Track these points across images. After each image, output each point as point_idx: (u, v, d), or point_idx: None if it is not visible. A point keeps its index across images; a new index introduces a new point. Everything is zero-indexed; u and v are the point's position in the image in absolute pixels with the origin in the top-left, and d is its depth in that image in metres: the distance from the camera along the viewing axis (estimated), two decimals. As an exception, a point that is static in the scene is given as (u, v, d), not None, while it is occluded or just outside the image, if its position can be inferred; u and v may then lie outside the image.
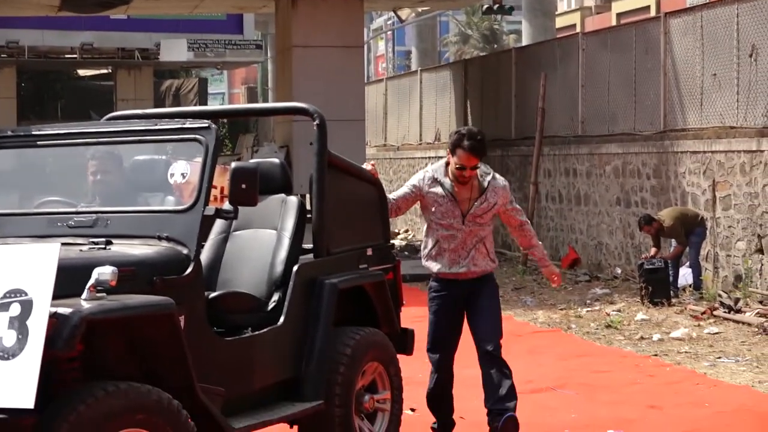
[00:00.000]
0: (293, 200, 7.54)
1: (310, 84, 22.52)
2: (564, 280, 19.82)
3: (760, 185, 16.37)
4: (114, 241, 6.28)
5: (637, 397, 10.28)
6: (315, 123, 7.51)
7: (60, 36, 41.67)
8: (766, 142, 16.24)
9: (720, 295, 15.84)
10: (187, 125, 6.84)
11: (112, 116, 8.30)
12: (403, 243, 27.02)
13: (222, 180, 18.42)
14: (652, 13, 43.17)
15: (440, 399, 8.34)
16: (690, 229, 16.83)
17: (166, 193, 6.78)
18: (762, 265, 16.37)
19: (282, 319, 7.02)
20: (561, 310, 16.42)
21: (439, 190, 7.85)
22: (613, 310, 16.06)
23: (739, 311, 14.91)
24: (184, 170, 6.61)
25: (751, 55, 16.82)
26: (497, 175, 8.08)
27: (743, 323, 14.27)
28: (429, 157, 29.27)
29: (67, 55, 44.89)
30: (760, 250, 16.39)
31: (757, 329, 13.80)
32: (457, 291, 8.02)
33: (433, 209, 7.88)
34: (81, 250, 6.09)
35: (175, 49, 44.83)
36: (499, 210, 8.03)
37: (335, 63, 22.65)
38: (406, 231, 29.68)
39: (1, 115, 43.92)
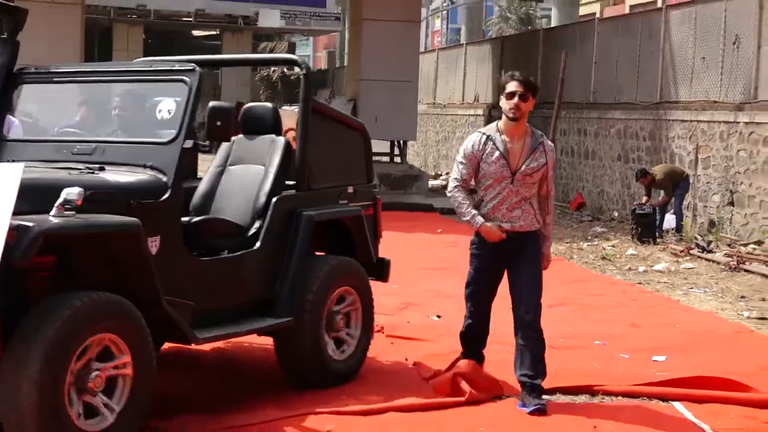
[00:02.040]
0: (281, 140, 7.04)
1: (376, 50, 22.47)
2: (571, 220, 19.80)
3: (734, 150, 16.16)
4: (108, 167, 5.96)
5: (622, 317, 10.17)
6: (302, 72, 7.03)
7: (179, 2, 41.74)
8: (741, 115, 16.03)
9: (696, 238, 15.66)
10: (175, 67, 6.37)
11: (139, 61, 7.78)
12: (444, 182, 26.91)
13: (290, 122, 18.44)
14: (659, 5, 42.50)
15: (472, 340, 7.15)
16: (676, 183, 16.69)
17: (156, 127, 6.31)
18: (732, 215, 16.19)
19: (258, 243, 6.57)
20: (566, 243, 16.29)
21: (490, 147, 6.53)
22: (609, 246, 15.91)
23: (710, 251, 14.74)
24: (170, 107, 6.18)
25: (734, 43, 16.56)
26: (548, 141, 6.76)
27: (713, 261, 14.09)
28: (468, 114, 29.13)
29: (184, 18, 44.92)
30: (731, 203, 16.23)
31: (723, 267, 13.62)
32: (500, 246, 6.63)
33: (485, 168, 6.56)
34: (69, 173, 5.79)
35: (270, 18, 44.75)
36: (544, 172, 6.65)
37: (397, 34, 22.54)
38: (447, 173, 29.54)
39: (130, 66, 44.13)
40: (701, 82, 17.51)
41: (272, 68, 54.95)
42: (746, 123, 15.88)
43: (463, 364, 7.02)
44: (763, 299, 11.50)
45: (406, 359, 7.81)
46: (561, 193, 22.36)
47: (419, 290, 11.18)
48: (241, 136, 7.21)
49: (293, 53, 63.02)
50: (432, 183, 25.45)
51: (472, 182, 6.73)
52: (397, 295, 10.71)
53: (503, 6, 76.73)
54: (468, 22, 55.96)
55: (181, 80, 6.16)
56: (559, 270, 13.46)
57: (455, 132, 30.23)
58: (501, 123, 6.64)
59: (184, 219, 6.29)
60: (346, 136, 7.54)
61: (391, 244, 15.00)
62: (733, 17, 16.69)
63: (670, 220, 16.98)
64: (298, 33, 55.22)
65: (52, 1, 21.03)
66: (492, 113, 27.01)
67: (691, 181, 16.92)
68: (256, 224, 6.67)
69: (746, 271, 13.26)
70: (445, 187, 25.43)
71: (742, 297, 11.63)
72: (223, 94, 43.93)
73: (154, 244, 5.68)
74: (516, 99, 6.47)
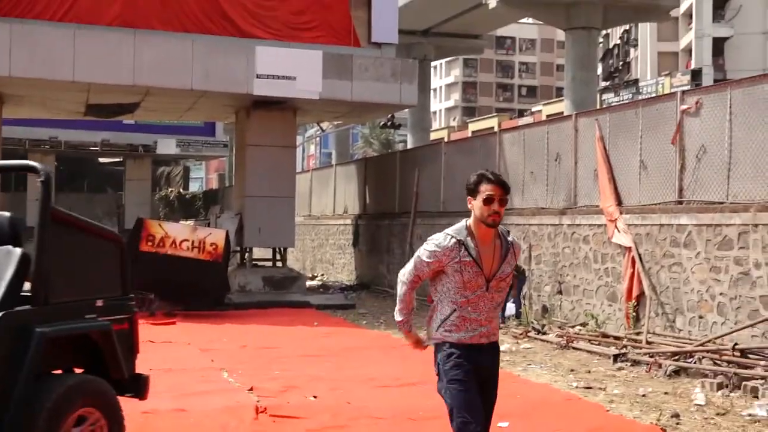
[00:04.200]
0: (17, 252, 5.59)
1: (258, 171, 22.46)
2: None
3: (560, 248, 16.52)
4: None
5: (471, 391, 10.17)
6: (40, 179, 5.60)
7: (86, 134, 41.38)
8: (564, 218, 16.43)
9: (532, 322, 15.88)
10: None
11: None
12: (320, 282, 26.85)
13: (192, 235, 18.28)
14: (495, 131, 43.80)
15: None
16: (515, 277, 16.93)
17: None
18: (561, 302, 16.48)
19: None
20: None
21: (463, 253, 5.09)
22: (459, 331, 15.96)
23: (544, 333, 14.94)
24: None
25: (556, 160, 17.04)
26: (513, 236, 5.42)
27: (547, 341, 14.28)
28: (339, 224, 29.23)
29: (91, 148, 44.44)
30: (560, 292, 16.52)
31: (555, 345, 13.82)
32: (478, 358, 5.14)
33: (455, 277, 5.13)
34: None
35: (167, 146, 44.69)
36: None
37: (276, 157, 22.61)
38: (322, 275, 29.51)
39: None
40: (531, 192, 17.95)
41: (169, 188, 54.53)
42: (569, 225, 16.30)
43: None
44: (589, 371, 11.69)
45: (287, 435, 7.67)
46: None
47: (298, 375, 11.03)
48: None
49: (188, 176, 62.57)
50: (309, 283, 25.38)
51: (434, 294, 5.37)
52: (279, 380, 10.57)
53: (367, 133, 78.07)
54: (338, 147, 56.58)
55: None
56: (420, 352, 13.48)
57: (328, 239, 30.31)
58: (472, 225, 5.17)
59: None
60: (97, 248, 6.17)
61: (274, 336, 14.95)
62: (554, 139, 17.23)
63: (510, 308, 17.17)
64: (192, 158, 55.09)
65: (-29, 134, 20.63)
66: (359, 222, 27.21)
67: (527, 274, 17.22)
68: None
69: (574, 348, 13.47)
70: (321, 286, 25.41)
71: (572, 370, 11.79)
72: (126, 212, 43.33)
73: None
74: (496, 204, 5.09)
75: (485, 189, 5.09)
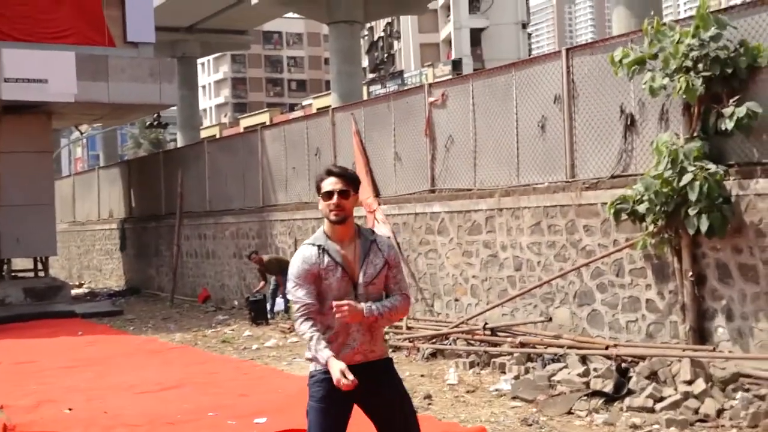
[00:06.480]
0: None
1: (13, 179, 21.55)
2: (198, 312, 19.72)
3: (324, 241, 16.80)
4: None
5: (234, 389, 10.23)
6: None
7: None
8: (327, 212, 16.71)
9: (299, 316, 16.06)
10: None
11: None
12: (88, 290, 26.12)
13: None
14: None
15: None
16: (284, 271, 17.13)
17: None
18: (328, 294, 16.75)
19: None
20: (193, 331, 16.18)
21: (327, 260, 4.55)
22: (229, 330, 16.01)
23: (311, 326, 15.15)
24: None
25: (316, 155, 17.34)
26: (382, 237, 4.81)
27: (313, 334, 14.50)
28: (105, 229, 28.51)
29: None
30: (326, 284, 16.81)
31: (321, 337, 14.06)
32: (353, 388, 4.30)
33: (323, 285, 4.54)
34: None
35: None
36: (385, 274, 4.67)
37: (31, 164, 21.80)
38: (90, 282, 28.67)
39: None
40: (294, 187, 18.17)
41: None
42: (331, 218, 16.60)
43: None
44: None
45: (35, 451, 7.48)
46: (189, 289, 22.29)
47: (55, 388, 10.73)
48: None
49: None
50: (75, 291, 24.65)
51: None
52: (35, 395, 10.25)
53: (136, 133, 76.36)
54: (105, 149, 55.01)
55: None
56: (183, 355, 13.45)
57: (95, 245, 29.49)
58: (326, 228, 4.66)
59: None
60: None
61: (33, 350, 14.45)
62: (313, 134, 17.52)
63: (280, 303, 17.37)
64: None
65: None
66: (125, 226, 26.61)
67: (293, 269, 17.41)
68: None
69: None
70: (88, 294, 24.70)
71: (335, 361, 12.03)
72: None
73: None
74: (336, 198, 4.58)
75: (324, 183, 4.64)
